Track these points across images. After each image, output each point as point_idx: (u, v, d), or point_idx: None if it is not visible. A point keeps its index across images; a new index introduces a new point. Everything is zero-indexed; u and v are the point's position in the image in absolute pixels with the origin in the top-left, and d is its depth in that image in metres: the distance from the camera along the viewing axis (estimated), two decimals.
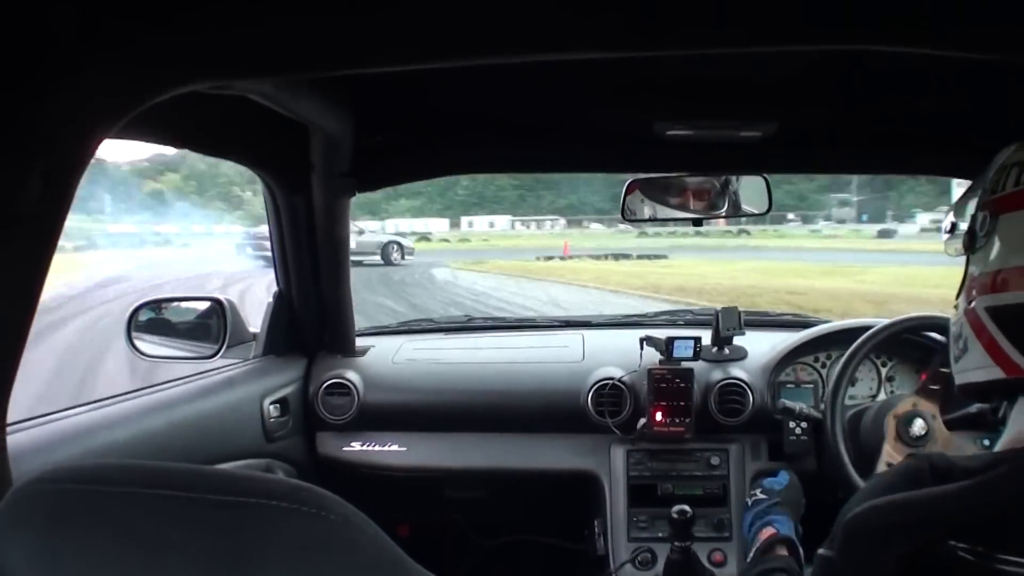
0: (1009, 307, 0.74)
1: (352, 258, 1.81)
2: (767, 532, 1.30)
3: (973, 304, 0.78)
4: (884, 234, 28.28)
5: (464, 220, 37.95)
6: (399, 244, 19.33)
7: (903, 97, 1.41)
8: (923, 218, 28.81)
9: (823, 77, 1.31)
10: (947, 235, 0.88)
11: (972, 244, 0.79)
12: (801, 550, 1.28)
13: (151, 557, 0.51)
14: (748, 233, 27.92)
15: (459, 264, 18.13)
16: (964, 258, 0.83)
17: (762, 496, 1.41)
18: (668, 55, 0.79)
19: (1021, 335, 0.73)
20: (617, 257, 20.77)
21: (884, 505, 0.76)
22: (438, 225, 35.97)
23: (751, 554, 1.30)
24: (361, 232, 17.53)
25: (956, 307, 0.84)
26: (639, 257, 20.74)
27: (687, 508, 1.33)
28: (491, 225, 37.69)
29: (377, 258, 17.68)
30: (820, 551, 0.85)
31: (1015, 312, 0.73)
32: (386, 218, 32.07)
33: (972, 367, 0.79)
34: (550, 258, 20.58)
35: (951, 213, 0.88)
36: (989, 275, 0.76)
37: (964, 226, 0.82)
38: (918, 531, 0.72)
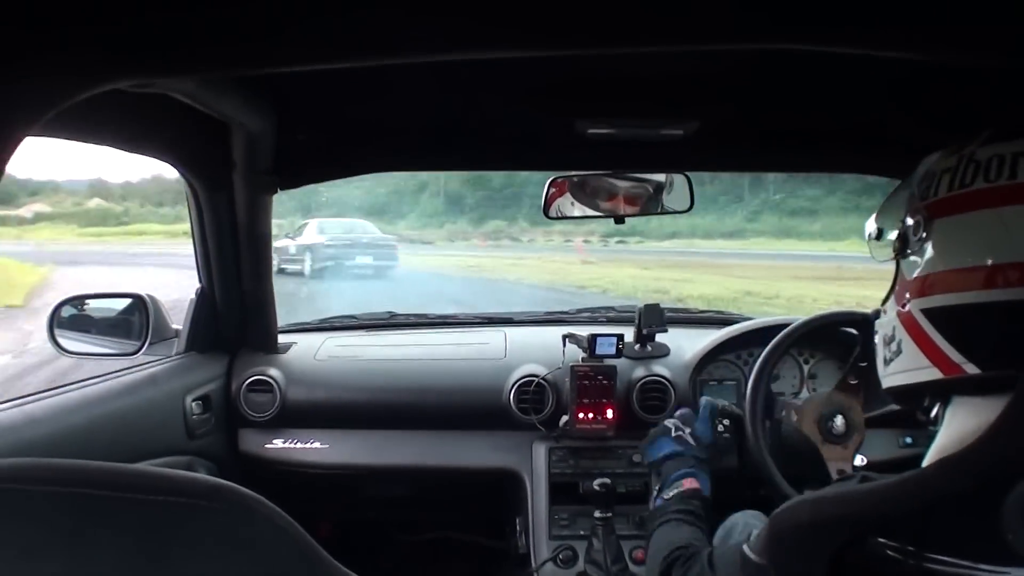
0: (946, 308, 0.74)
1: None
2: (690, 483, 1.30)
3: (908, 307, 0.78)
4: None
5: None
6: None
7: (826, 95, 1.42)
8: None
9: (745, 76, 1.31)
10: (873, 240, 0.88)
11: (904, 249, 0.80)
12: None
13: (73, 555, 0.51)
14: None
15: None
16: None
17: (691, 440, 1.40)
18: (589, 54, 0.79)
19: (959, 335, 0.74)
20: None
21: (813, 500, 0.77)
22: None
23: (667, 492, 1.30)
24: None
25: (884, 311, 0.84)
26: None
27: (607, 480, 1.52)
28: None
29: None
30: (743, 549, 0.85)
31: (952, 313, 0.74)
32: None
33: (906, 369, 0.79)
34: None
35: (875, 218, 0.88)
36: (925, 278, 0.76)
37: (892, 232, 0.82)
38: (846, 525, 0.72)
